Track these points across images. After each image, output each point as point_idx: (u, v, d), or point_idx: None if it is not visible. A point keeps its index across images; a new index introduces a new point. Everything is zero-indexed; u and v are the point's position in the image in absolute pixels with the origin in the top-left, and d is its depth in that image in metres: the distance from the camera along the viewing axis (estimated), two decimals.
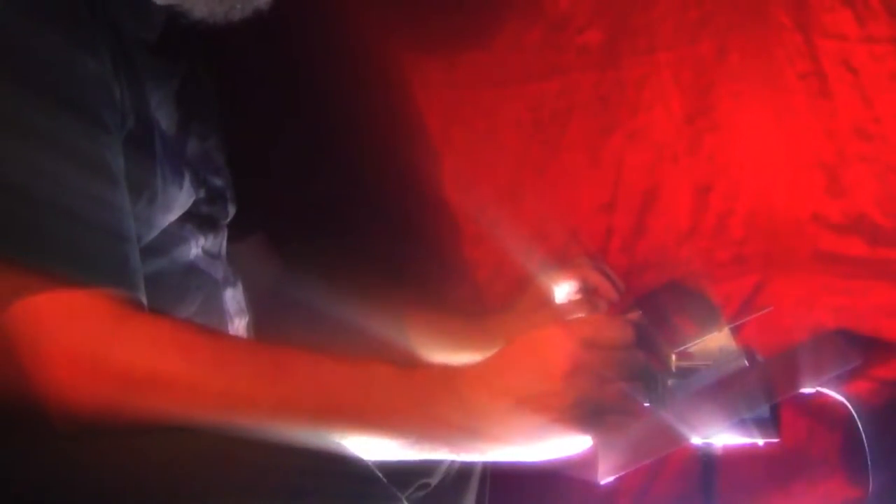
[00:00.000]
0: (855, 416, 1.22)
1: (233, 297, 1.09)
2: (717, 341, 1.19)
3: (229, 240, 1.11)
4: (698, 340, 1.18)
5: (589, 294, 1.26)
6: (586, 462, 1.17)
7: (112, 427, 0.75)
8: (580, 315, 1.24)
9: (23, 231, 0.78)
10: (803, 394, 1.22)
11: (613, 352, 0.81)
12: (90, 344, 0.76)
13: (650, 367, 0.94)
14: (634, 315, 1.15)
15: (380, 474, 0.78)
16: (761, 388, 1.13)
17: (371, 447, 0.81)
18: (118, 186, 0.84)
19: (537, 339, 0.82)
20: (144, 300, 0.83)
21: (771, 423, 1.15)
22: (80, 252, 0.79)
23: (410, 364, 0.85)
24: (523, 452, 0.83)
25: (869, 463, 1.22)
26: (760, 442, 1.16)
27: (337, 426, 0.80)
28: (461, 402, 0.80)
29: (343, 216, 1.33)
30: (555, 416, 0.80)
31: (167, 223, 0.96)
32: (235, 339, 1.00)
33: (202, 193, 1.04)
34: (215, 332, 0.97)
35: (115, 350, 0.77)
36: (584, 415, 0.80)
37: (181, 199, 0.99)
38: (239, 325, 1.10)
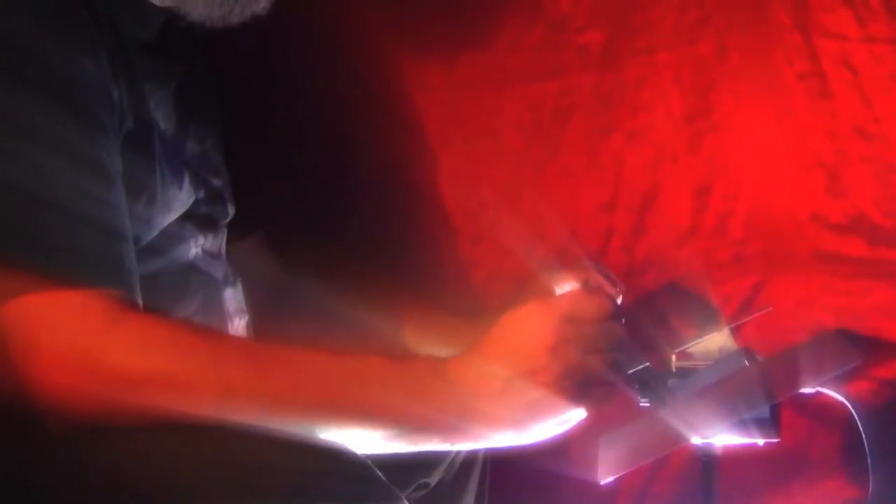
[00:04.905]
0: (855, 416, 1.22)
1: (233, 297, 1.09)
2: (717, 341, 1.19)
3: (229, 240, 1.12)
4: (698, 340, 1.18)
5: None
6: (586, 462, 1.17)
7: (107, 427, 0.75)
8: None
9: (18, 231, 0.78)
10: (803, 394, 1.22)
11: (593, 324, 0.84)
12: (84, 344, 0.76)
13: (642, 358, 0.95)
14: (613, 289, 1.15)
15: (380, 474, 0.79)
16: (761, 388, 1.13)
17: (368, 439, 0.81)
18: (115, 187, 0.84)
19: (519, 318, 0.84)
20: (140, 300, 0.83)
21: (771, 423, 1.15)
22: (76, 252, 0.79)
23: (402, 356, 0.86)
24: (518, 435, 0.83)
25: (869, 463, 1.22)
26: (760, 442, 1.16)
27: (333, 419, 0.80)
28: (451, 388, 0.82)
29: (342, 216, 1.33)
30: (543, 390, 0.81)
31: (167, 223, 0.96)
32: (229, 337, 1.00)
33: (202, 193, 1.04)
34: (210, 330, 0.97)
35: (109, 350, 0.77)
36: (572, 387, 0.82)
37: (181, 199, 0.99)
38: (239, 325, 1.10)
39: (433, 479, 1.13)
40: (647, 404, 1.04)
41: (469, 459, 1.19)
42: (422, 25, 1.29)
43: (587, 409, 0.84)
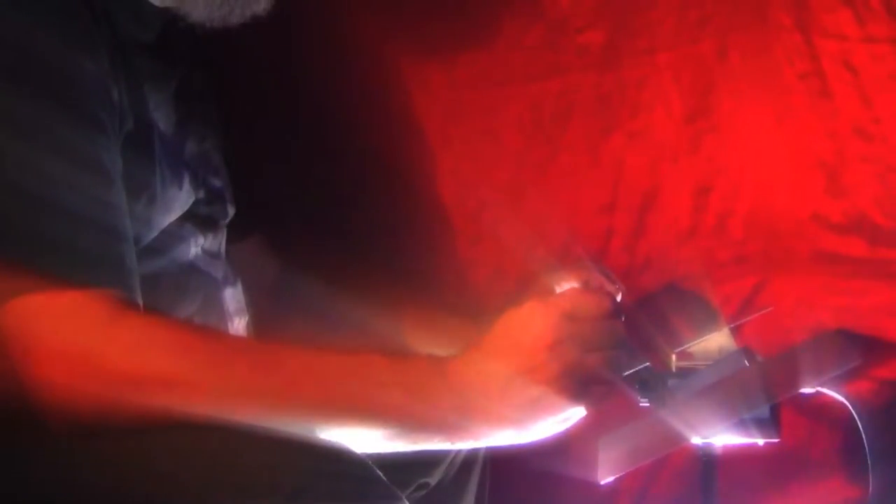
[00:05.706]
0: (855, 416, 1.22)
1: (232, 297, 1.09)
2: (717, 341, 1.19)
3: (229, 240, 1.12)
4: (698, 340, 1.18)
5: None
6: (586, 462, 1.17)
7: (107, 426, 0.75)
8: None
9: (19, 231, 0.78)
10: (803, 394, 1.22)
11: (593, 322, 0.84)
12: (84, 344, 0.77)
13: (642, 358, 0.96)
14: (613, 288, 1.15)
15: (380, 474, 0.79)
16: (761, 388, 1.13)
17: (368, 439, 0.81)
18: (114, 187, 0.84)
19: (519, 316, 0.84)
20: (140, 300, 0.83)
21: (771, 423, 1.15)
22: (76, 252, 0.79)
23: (403, 355, 0.86)
24: (518, 433, 0.83)
25: (869, 463, 1.22)
26: (760, 442, 1.16)
27: (333, 418, 0.80)
28: (452, 386, 0.82)
29: (342, 217, 1.33)
30: (543, 389, 0.81)
31: (167, 223, 0.96)
32: (229, 337, 1.00)
33: (201, 194, 1.04)
34: (209, 329, 0.98)
35: (108, 350, 0.77)
36: (572, 385, 0.82)
37: (181, 199, 0.99)
38: (238, 325, 1.10)
39: (433, 479, 1.13)
40: (647, 404, 1.04)
41: (469, 459, 1.19)
42: (422, 25, 1.29)
43: (587, 408, 0.84)
